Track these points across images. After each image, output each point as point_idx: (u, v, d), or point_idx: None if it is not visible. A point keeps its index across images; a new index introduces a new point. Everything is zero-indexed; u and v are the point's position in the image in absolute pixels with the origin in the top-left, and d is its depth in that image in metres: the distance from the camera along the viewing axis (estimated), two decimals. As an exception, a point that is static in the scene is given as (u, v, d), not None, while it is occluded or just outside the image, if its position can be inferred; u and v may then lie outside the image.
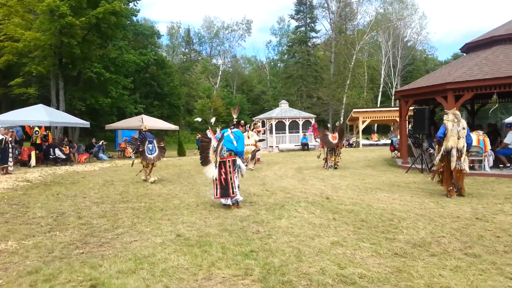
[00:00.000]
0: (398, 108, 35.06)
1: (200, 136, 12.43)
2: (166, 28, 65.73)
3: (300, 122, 29.99)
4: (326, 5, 41.67)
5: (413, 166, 12.58)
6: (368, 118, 32.83)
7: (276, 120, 29.40)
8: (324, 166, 14.34)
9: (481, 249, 4.67)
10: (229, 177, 7.14)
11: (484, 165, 11.52)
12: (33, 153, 16.85)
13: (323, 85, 39.35)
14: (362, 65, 41.85)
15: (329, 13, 41.59)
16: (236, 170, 7.28)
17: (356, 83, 40.34)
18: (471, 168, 11.67)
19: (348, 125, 37.56)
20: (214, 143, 7.57)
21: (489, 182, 10.38)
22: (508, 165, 11.63)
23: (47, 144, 18.47)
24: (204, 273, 3.99)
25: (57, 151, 17.32)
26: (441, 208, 7.11)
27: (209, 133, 7.90)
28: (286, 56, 58.68)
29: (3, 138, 13.42)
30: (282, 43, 64.60)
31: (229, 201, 7.21)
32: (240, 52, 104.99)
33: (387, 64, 49.70)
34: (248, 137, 15.37)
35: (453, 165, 8.31)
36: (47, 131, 19.53)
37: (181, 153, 25.47)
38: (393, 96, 39.89)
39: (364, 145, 32.98)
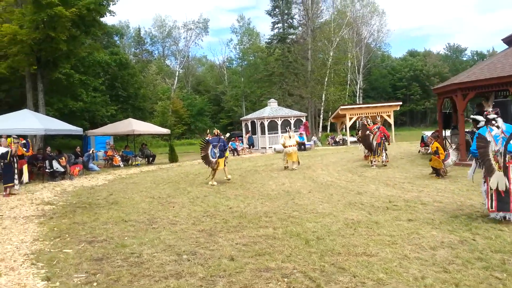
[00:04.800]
0: (386, 104, 35.09)
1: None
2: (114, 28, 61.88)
3: (292, 121, 28.66)
4: (300, 0, 40.67)
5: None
6: (355, 114, 32.19)
7: (269, 120, 27.86)
8: (372, 165, 13.44)
9: None
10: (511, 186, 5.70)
11: None
12: (25, 167, 14.01)
13: (302, 83, 38.34)
14: (340, 62, 41.41)
15: (304, 9, 40.62)
16: None
17: (335, 80, 39.79)
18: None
19: (332, 122, 36.85)
20: (493, 146, 5.92)
21: None
22: None
23: (29, 155, 15.67)
24: None
25: (55, 164, 14.62)
26: None
27: (488, 135, 6.11)
28: (252, 54, 57.33)
29: (8, 151, 10.75)
30: (244, 42, 63.23)
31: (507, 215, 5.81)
32: (197, 52, 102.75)
33: (352, 62, 49.91)
34: (290, 137, 14.25)
35: None
36: (28, 140, 16.63)
37: (174, 159, 23.11)
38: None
39: (351, 142, 32.24)
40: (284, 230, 6.11)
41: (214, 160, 11.40)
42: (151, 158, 23.04)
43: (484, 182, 6.05)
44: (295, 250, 5.09)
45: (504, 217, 5.82)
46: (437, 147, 10.63)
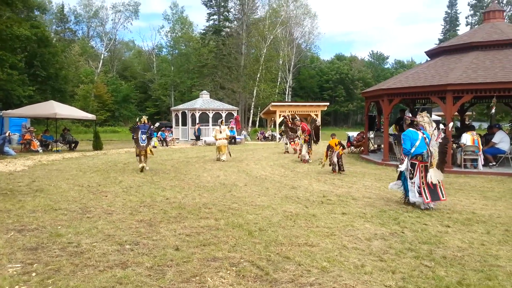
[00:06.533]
0: (314, 104, 36.39)
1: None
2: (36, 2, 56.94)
3: (224, 114, 28.69)
4: (236, -5, 40.62)
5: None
6: (285, 112, 33.05)
7: (200, 112, 27.63)
8: (303, 161, 14.55)
9: None
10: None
11: (477, 163, 12.08)
12: None
13: (235, 77, 38.43)
14: (272, 59, 42.11)
15: (240, 3, 40.66)
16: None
17: (267, 77, 40.42)
18: (464, 166, 12.27)
19: (262, 118, 37.41)
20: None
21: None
22: (494, 163, 12.43)
23: None
24: None
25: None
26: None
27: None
28: (184, 43, 56.05)
29: None
30: (176, 30, 61.61)
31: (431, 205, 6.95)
32: (125, 36, 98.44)
33: (283, 61, 51.05)
34: (221, 132, 14.78)
35: None
36: None
37: (98, 146, 22.05)
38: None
39: (279, 138, 33.09)
40: (226, 221, 6.19)
41: (143, 145, 11.76)
42: (73, 145, 21.82)
43: (411, 178, 6.79)
44: (239, 241, 5.21)
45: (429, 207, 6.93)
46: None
